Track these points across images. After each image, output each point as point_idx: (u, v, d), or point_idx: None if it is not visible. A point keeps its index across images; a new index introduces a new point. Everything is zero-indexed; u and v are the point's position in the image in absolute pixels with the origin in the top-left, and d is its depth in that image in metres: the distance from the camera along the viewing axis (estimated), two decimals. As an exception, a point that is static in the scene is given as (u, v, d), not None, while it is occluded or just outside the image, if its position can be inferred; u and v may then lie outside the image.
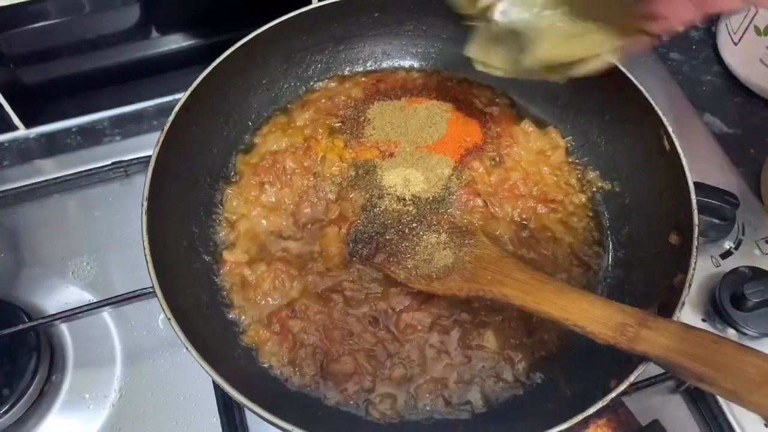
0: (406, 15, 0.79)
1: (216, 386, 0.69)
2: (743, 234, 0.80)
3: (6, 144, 0.89)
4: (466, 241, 0.64)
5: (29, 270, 0.78)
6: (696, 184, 0.77)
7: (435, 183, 0.71)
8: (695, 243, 0.60)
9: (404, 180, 0.71)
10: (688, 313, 0.75)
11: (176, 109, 0.68)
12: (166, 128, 0.67)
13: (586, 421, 0.55)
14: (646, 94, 0.68)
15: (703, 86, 0.95)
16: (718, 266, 0.78)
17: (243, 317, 0.67)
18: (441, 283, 0.62)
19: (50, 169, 0.85)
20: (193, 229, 0.70)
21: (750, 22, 0.88)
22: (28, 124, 0.90)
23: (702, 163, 0.86)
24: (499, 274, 0.60)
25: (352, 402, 0.63)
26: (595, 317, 0.53)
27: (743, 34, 0.90)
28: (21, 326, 0.69)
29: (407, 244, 0.66)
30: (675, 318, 0.57)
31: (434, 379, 0.63)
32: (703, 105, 0.92)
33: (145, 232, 0.61)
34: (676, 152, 0.64)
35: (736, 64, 0.94)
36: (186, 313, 0.60)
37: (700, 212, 0.76)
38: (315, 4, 0.75)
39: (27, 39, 0.81)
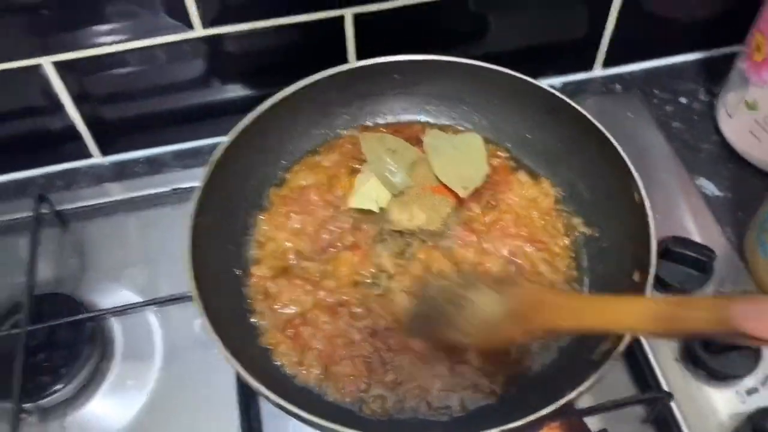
0: (420, 77, 0.90)
1: (237, 383, 0.80)
2: (722, 287, 0.87)
3: (84, 169, 1.05)
4: (509, 290, 0.67)
5: (91, 274, 0.91)
6: (676, 237, 0.87)
7: (435, 219, 0.82)
8: (651, 278, 0.69)
9: (409, 215, 0.82)
10: (665, 353, 0.82)
11: (222, 146, 0.80)
12: (212, 162, 0.79)
13: (541, 423, 0.64)
14: (624, 155, 0.77)
15: (700, 153, 1.03)
16: (695, 314, 0.85)
17: (263, 322, 0.77)
18: (497, 336, 0.66)
19: (117, 192, 0.98)
20: (229, 246, 0.82)
21: (743, 98, 0.97)
22: (104, 153, 1.05)
23: (690, 221, 0.94)
24: (547, 309, 0.64)
25: (348, 400, 0.72)
26: (637, 319, 0.57)
27: (737, 108, 0.99)
28: (80, 316, 0.82)
29: (459, 312, 0.68)
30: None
31: (420, 386, 0.73)
32: (698, 170, 1.01)
33: (188, 247, 0.73)
34: (643, 204, 0.74)
35: (731, 134, 1.02)
36: (216, 314, 0.70)
37: (678, 263, 0.86)
38: (349, 65, 0.88)
39: (110, 82, 0.95)
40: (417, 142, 0.89)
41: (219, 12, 0.90)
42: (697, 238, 0.91)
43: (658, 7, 1.07)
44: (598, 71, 1.14)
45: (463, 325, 0.67)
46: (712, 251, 0.85)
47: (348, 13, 0.93)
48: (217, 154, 0.80)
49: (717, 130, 1.05)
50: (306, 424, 0.64)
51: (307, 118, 0.90)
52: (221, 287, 0.78)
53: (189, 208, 0.76)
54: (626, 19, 1.06)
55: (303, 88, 0.86)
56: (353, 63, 0.88)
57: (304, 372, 0.74)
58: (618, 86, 1.13)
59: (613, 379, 0.80)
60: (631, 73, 1.14)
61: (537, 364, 0.74)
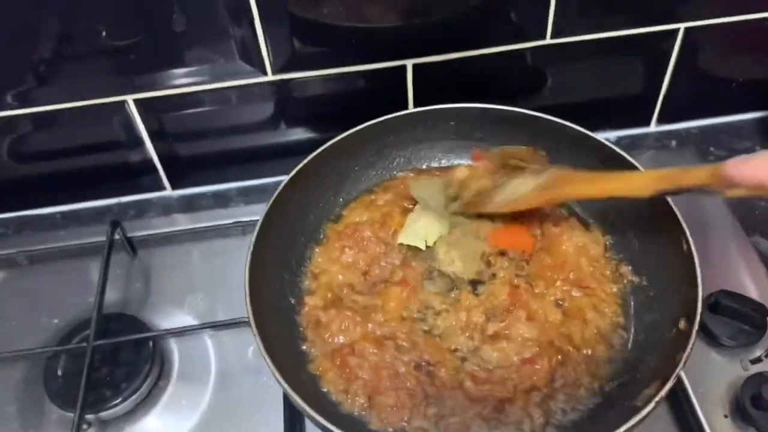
0: (476, 125, 0.94)
1: (284, 409, 0.82)
2: (776, 346, 0.86)
3: (155, 200, 1.12)
4: (540, 172, 0.82)
5: (155, 298, 0.97)
6: (727, 291, 0.86)
7: (470, 269, 0.84)
8: (696, 327, 0.70)
9: (450, 260, 0.85)
10: (714, 409, 0.80)
11: (285, 182, 0.86)
12: (274, 196, 0.85)
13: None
14: (673, 206, 0.79)
15: (756, 211, 1.03)
16: (746, 370, 0.84)
17: (313, 350, 0.81)
18: (521, 202, 0.83)
19: (184, 222, 1.05)
20: (285, 276, 0.87)
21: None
22: (174, 187, 1.11)
23: (744, 277, 0.93)
24: (567, 179, 0.80)
25: (390, 429, 0.74)
26: (640, 186, 0.75)
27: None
28: (141, 335, 0.87)
29: (498, 189, 0.84)
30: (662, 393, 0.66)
31: (462, 421, 0.74)
32: (754, 227, 1.00)
33: (247, 273, 0.78)
34: (692, 254, 0.75)
35: (789, 193, 1.02)
36: (269, 338, 0.74)
37: (730, 317, 0.85)
38: (407, 111, 0.93)
39: (185, 121, 1.02)
40: None
41: (289, 60, 0.96)
42: (751, 294, 0.90)
43: (713, 67, 1.09)
44: (653, 127, 1.16)
45: (492, 197, 0.84)
46: (763, 307, 0.84)
47: (409, 63, 0.99)
48: (279, 190, 0.85)
49: (775, 189, 1.04)
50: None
51: (365, 159, 0.96)
52: (276, 313, 0.82)
53: (250, 239, 0.81)
54: (682, 77, 1.08)
55: (361, 132, 0.91)
56: (411, 109, 0.93)
57: (349, 400, 0.76)
58: (674, 142, 1.14)
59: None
60: (686, 130, 1.16)
61: (580, 408, 0.75)
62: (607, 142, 0.87)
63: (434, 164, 0.99)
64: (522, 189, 0.82)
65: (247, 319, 0.75)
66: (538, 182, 0.81)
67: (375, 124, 0.91)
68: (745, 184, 0.64)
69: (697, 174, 0.69)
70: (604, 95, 1.11)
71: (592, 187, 0.78)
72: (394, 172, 0.98)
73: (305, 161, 0.88)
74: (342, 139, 0.90)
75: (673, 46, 1.04)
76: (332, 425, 0.66)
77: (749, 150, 1.11)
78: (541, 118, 0.90)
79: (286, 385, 0.69)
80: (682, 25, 1.01)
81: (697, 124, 1.16)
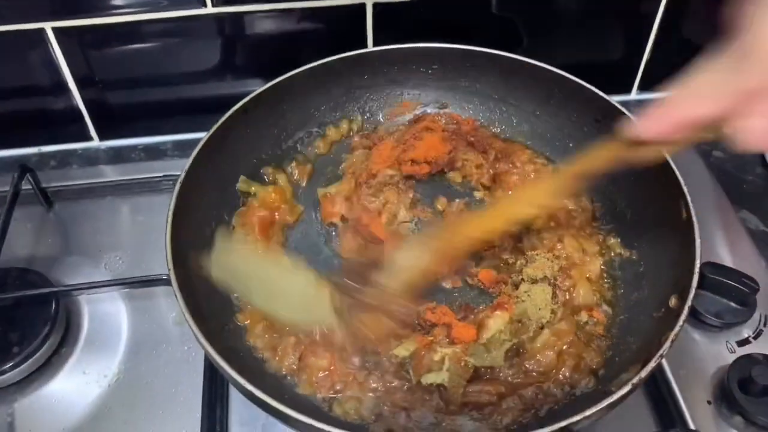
0: (462, 72, 0.86)
1: (204, 378, 0.72)
2: (765, 325, 0.77)
3: (80, 151, 1.00)
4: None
5: (70, 257, 0.85)
6: (714, 263, 0.77)
7: None
8: (688, 303, 0.60)
9: None
10: (696, 394, 0.71)
11: (235, 107, 0.77)
12: (222, 119, 0.76)
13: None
14: (675, 169, 0.70)
15: (744, 185, 0.94)
16: (733, 352, 0.75)
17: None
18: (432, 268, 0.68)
19: (108, 174, 0.93)
20: (225, 216, 0.77)
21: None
22: (101, 137, 1.00)
23: (731, 254, 0.84)
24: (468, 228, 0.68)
25: (319, 395, 0.64)
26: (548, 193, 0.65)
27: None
28: (40, 290, 0.75)
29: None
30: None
31: (405, 400, 0.63)
32: (741, 202, 0.91)
33: (174, 200, 0.69)
34: (691, 221, 0.66)
35: (778, 166, 0.94)
36: (191, 279, 0.65)
37: (716, 293, 0.76)
38: (389, 46, 0.84)
39: (115, 61, 0.91)
40: None
41: (232, -11, 0.86)
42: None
43: (701, 30, 0.99)
44: (633, 95, 1.07)
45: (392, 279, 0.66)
46: (755, 282, 0.75)
47: (369, 2, 0.88)
48: (228, 113, 0.76)
49: (763, 162, 0.96)
50: (271, 413, 0.57)
51: (333, 99, 0.87)
52: (207, 253, 0.70)
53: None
54: (667, 41, 0.99)
55: (329, 65, 0.82)
56: (393, 45, 0.84)
57: (277, 358, 0.67)
58: (655, 111, 1.05)
59: (636, 420, 0.71)
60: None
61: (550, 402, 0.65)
62: (607, 97, 0.78)
63: (408, 116, 0.89)
64: (410, 259, 0.66)
65: (164, 276, 0.64)
66: (425, 247, 0.67)
67: (347, 57, 0.82)
68: (655, 140, 0.56)
69: (604, 154, 0.60)
70: (582, 58, 1.02)
71: (495, 219, 0.67)
72: (366, 116, 0.89)
73: (262, 88, 0.79)
74: (307, 69, 0.81)
75: (658, 4, 0.95)
76: (250, 384, 0.56)
77: (737, 122, 1.02)
78: (537, 66, 0.82)
79: (196, 329, 0.59)
80: (670, -24, 0.92)
81: (681, 94, 1.07)
